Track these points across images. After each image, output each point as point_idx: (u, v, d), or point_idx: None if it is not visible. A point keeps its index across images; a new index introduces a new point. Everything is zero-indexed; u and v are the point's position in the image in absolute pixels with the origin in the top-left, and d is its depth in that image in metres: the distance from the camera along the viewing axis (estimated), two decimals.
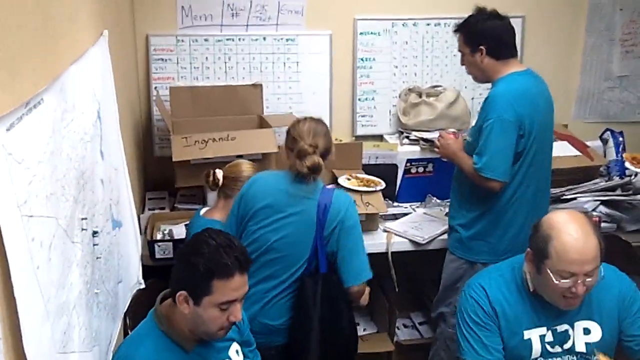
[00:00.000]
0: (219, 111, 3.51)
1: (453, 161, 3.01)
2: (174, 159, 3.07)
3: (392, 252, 3.23)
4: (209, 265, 1.82)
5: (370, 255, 3.19)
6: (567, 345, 2.14)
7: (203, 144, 3.10)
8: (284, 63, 3.66)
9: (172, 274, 1.94)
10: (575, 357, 2.16)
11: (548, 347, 2.14)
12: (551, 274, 1.99)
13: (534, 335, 2.14)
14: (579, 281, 1.97)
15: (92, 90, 1.99)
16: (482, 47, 2.81)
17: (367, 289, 2.60)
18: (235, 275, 1.83)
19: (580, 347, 2.15)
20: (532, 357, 2.14)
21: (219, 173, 2.80)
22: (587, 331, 2.15)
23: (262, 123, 3.47)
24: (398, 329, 3.55)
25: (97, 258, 1.96)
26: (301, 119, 2.58)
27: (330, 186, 2.68)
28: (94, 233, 1.93)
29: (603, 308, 2.15)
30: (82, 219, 1.77)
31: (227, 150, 3.08)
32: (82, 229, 1.76)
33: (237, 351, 2.09)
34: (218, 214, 2.73)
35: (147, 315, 2.02)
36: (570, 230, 1.99)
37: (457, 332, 2.23)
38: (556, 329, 2.14)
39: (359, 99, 3.78)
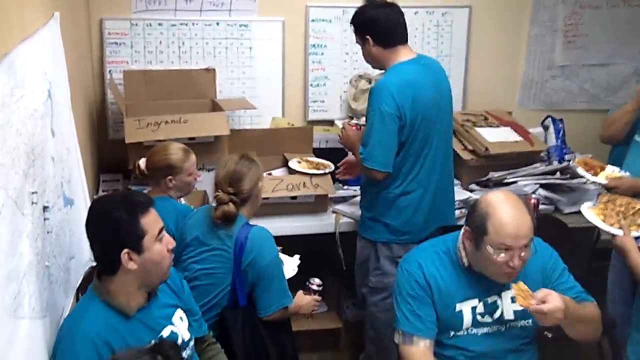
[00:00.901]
0: (173, 95, 3.57)
1: (352, 151, 3.21)
2: (126, 141, 3.12)
3: (340, 233, 3.35)
4: (129, 210, 1.91)
5: (319, 235, 3.35)
6: (496, 315, 2.28)
7: (156, 126, 3.16)
8: (237, 48, 3.74)
9: (98, 247, 1.99)
10: (504, 326, 2.29)
11: (479, 317, 2.27)
12: (490, 249, 2.11)
13: (465, 307, 2.26)
14: (515, 255, 2.10)
15: (43, 70, 2.05)
16: (368, 36, 2.93)
17: (309, 300, 2.74)
18: (150, 207, 1.96)
19: (509, 315, 2.28)
20: (464, 327, 2.27)
21: (142, 163, 2.89)
22: (513, 300, 2.27)
23: (215, 107, 3.54)
24: (347, 307, 3.68)
25: (48, 232, 2.02)
26: (224, 161, 2.68)
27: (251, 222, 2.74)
28: (45, 208, 1.99)
29: (528, 276, 2.27)
30: (32, 192, 1.83)
31: (179, 132, 3.14)
32: (33, 203, 1.82)
33: (180, 318, 2.17)
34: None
35: (86, 291, 2.08)
36: (506, 207, 2.12)
37: (394, 303, 2.35)
38: (487, 300, 2.27)
39: (311, 85, 3.88)
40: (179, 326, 2.15)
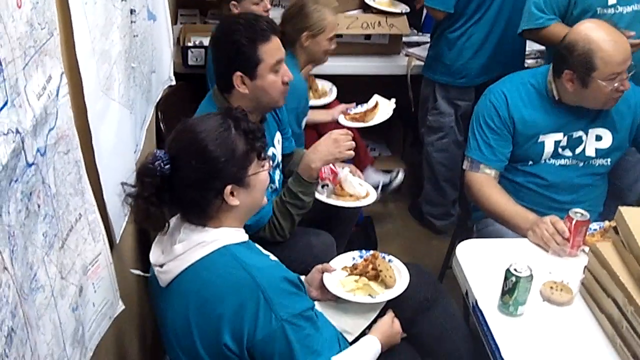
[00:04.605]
0: None
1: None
2: None
3: (411, 76, 3.37)
4: (249, 35, 1.97)
5: (390, 77, 3.38)
6: (578, 150, 2.31)
7: None
8: None
9: (216, 64, 2.07)
10: (582, 162, 2.33)
11: (559, 150, 2.30)
12: (602, 82, 2.12)
13: (549, 139, 2.29)
14: (624, 78, 2.13)
15: None
16: None
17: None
18: (272, 37, 2.00)
19: (590, 152, 2.32)
20: (543, 157, 2.32)
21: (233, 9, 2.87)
22: (599, 138, 2.31)
23: None
24: (410, 153, 3.76)
25: (135, 36, 2.12)
26: None
27: None
28: (132, 11, 2.08)
29: (617, 117, 2.30)
30: None
31: None
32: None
33: (278, 140, 2.30)
34: None
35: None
36: (606, 37, 2.11)
37: (470, 131, 2.40)
38: (572, 135, 2.29)
39: None
40: (277, 148, 2.28)
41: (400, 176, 3.41)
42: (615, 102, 2.21)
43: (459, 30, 3.01)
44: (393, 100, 2.96)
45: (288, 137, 2.42)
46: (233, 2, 2.82)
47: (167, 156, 1.54)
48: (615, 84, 2.12)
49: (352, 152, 2.15)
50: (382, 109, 2.93)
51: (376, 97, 2.98)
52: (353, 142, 2.16)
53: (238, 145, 1.56)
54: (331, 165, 2.27)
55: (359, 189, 2.37)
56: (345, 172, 2.35)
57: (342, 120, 2.95)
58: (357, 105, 3.03)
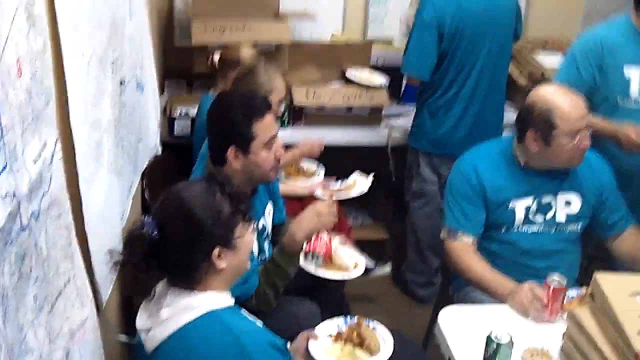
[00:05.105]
0: (238, 5, 3.66)
1: None
2: (193, 43, 3.28)
3: (391, 146, 3.45)
4: (244, 112, 2.03)
5: (371, 147, 3.46)
6: (549, 216, 2.36)
7: (221, 31, 3.30)
8: None
9: (211, 138, 2.13)
10: (554, 228, 2.39)
11: (530, 216, 2.36)
12: (563, 139, 2.22)
13: (519, 205, 2.35)
14: (583, 134, 2.22)
15: None
16: None
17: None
18: (266, 114, 2.06)
19: (561, 218, 2.37)
20: (515, 224, 2.37)
21: (216, 55, 3.01)
22: (568, 203, 2.37)
23: (278, 18, 3.64)
24: (393, 222, 3.81)
25: (124, 106, 2.19)
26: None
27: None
28: (122, 82, 2.15)
29: (583, 180, 2.38)
30: (112, 62, 1.99)
31: (244, 37, 3.27)
32: (113, 70, 1.98)
33: (269, 211, 2.34)
34: None
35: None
36: (562, 96, 2.24)
37: (444, 201, 2.45)
38: (541, 200, 2.35)
39: (372, 3, 3.91)
40: (267, 219, 2.32)
41: (387, 269, 3.44)
42: (579, 160, 2.29)
43: (439, 101, 3.11)
44: (371, 176, 3.02)
45: (280, 207, 2.46)
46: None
47: (155, 222, 1.57)
48: (576, 141, 2.22)
49: (335, 220, 2.19)
50: (359, 185, 3.00)
51: (356, 175, 3.04)
52: (336, 214, 2.20)
53: (224, 208, 1.59)
54: (324, 236, 2.30)
55: (348, 261, 2.39)
56: (335, 244, 2.38)
57: (320, 193, 3.01)
58: (337, 180, 3.09)
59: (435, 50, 2.97)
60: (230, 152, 2.05)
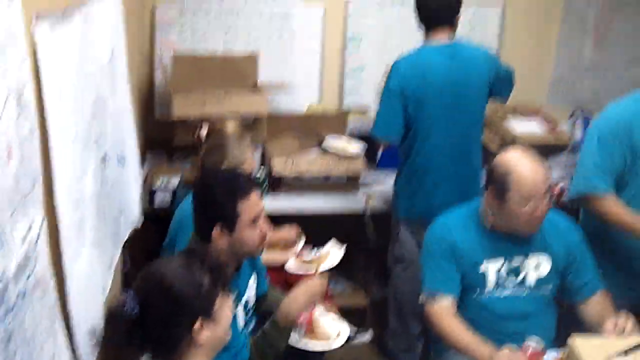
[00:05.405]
0: (217, 78, 3.75)
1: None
2: (174, 116, 3.34)
3: (370, 213, 3.51)
4: (229, 192, 2.06)
5: (350, 214, 3.51)
6: (519, 279, 2.42)
7: (202, 104, 3.38)
8: (279, 36, 3.94)
9: (196, 215, 2.15)
10: (525, 291, 2.43)
11: (502, 278, 2.41)
12: (515, 203, 2.27)
13: (490, 268, 2.40)
14: (539, 204, 2.26)
15: (109, 32, 2.27)
16: (419, 17, 3.09)
17: None
18: (251, 192, 2.08)
19: (531, 281, 2.42)
20: (488, 287, 2.42)
21: (203, 130, 3.06)
22: (537, 266, 2.42)
23: (256, 90, 3.74)
24: (373, 288, 3.83)
25: (105, 181, 2.23)
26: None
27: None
28: (104, 158, 2.20)
29: (553, 244, 2.43)
30: (95, 139, 2.04)
31: (223, 109, 3.36)
32: (96, 148, 2.03)
33: (253, 283, 2.36)
34: None
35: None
36: (523, 161, 2.30)
37: (422, 264, 2.51)
38: (511, 263, 2.41)
39: (348, 74, 4.05)
40: (250, 292, 2.33)
41: (367, 337, 3.44)
42: (534, 227, 2.34)
43: (412, 167, 3.17)
44: (344, 247, 3.06)
45: (263, 277, 2.48)
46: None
47: (135, 298, 1.59)
48: (528, 207, 2.26)
49: (324, 294, 2.23)
50: (332, 256, 3.01)
51: (331, 244, 3.06)
52: (326, 287, 2.23)
53: (204, 280, 1.62)
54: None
55: (330, 329, 2.40)
56: (317, 313, 2.39)
57: (291, 264, 3.00)
58: (313, 248, 3.10)
59: (400, 115, 3.05)
60: (216, 230, 2.06)
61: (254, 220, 2.08)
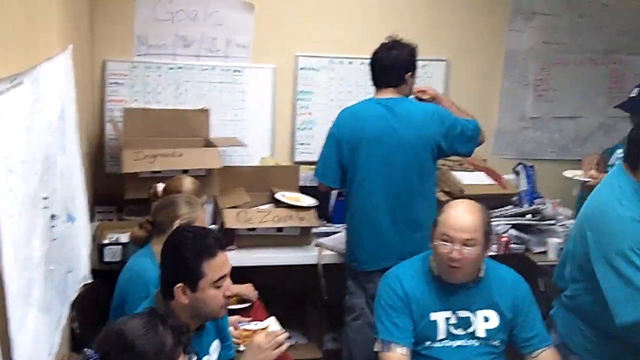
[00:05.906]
0: (168, 133, 3.78)
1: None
2: (124, 171, 3.32)
3: (322, 265, 3.52)
4: (195, 250, 2.04)
5: (302, 267, 3.52)
6: (469, 330, 2.47)
7: (152, 159, 3.37)
8: (230, 92, 3.99)
9: (161, 271, 2.13)
10: (477, 342, 2.47)
11: (452, 329, 2.45)
12: (436, 241, 2.40)
13: (440, 317, 2.46)
14: (454, 247, 2.34)
15: (58, 92, 2.27)
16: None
17: None
18: (218, 253, 2.07)
19: (481, 333, 2.47)
20: (439, 337, 2.45)
21: (160, 187, 3.04)
22: (486, 319, 2.48)
23: (208, 145, 3.76)
24: (327, 340, 3.81)
25: (53, 240, 2.19)
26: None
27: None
28: (53, 216, 2.18)
29: (500, 298, 2.49)
30: (44, 198, 2.02)
31: (174, 165, 3.35)
32: (44, 206, 2.01)
33: (216, 347, 2.33)
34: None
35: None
36: (457, 206, 2.45)
37: (375, 315, 2.54)
38: (459, 314, 2.46)
39: (299, 128, 4.11)
40: (213, 356, 2.29)
41: None
42: (452, 275, 2.42)
43: (349, 216, 3.25)
44: (284, 334, 2.97)
45: (228, 344, 2.45)
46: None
47: (97, 356, 1.56)
48: (445, 247, 2.36)
49: (282, 349, 2.21)
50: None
51: (270, 320, 2.94)
52: (279, 341, 2.21)
53: (167, 340, 1.61)
54: None
55: None
56: None
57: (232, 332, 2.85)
58: (251, 321, 3.00)
59: (335, 159, 3.19)
60: (178, 287, 2.04)
61: (218, 282, 2.06)
